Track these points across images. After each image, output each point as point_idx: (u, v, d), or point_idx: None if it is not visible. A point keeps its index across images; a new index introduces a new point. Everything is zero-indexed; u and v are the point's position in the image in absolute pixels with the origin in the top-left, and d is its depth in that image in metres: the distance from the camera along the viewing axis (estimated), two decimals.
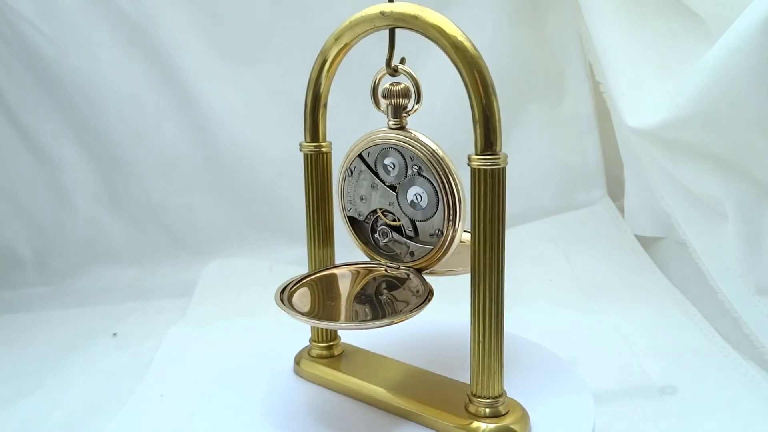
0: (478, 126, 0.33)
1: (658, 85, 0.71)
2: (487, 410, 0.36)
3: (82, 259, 0.96)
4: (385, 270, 0.41)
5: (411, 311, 0.35)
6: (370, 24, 0.37)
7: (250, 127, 0.96)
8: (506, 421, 0.35)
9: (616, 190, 0.97)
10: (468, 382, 0.37)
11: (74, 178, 0.96)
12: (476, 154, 0.33)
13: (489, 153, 0.33)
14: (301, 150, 0.42)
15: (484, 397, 0.36)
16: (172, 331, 0.73)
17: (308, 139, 0.42)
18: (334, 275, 0.42)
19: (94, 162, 0.96)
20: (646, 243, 0.85)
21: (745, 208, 0.61)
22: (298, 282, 0.40)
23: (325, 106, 0.41)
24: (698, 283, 0.69)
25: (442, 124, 0.85)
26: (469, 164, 0.34)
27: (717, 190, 0.64)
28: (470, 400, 0.36)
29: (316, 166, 0.42)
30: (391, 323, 0.34)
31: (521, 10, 0.95)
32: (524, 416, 0.36)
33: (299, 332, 0.47)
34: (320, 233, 0.43)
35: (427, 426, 0.37)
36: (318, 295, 0.39)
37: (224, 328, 0.74)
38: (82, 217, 0.97)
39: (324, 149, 0.42)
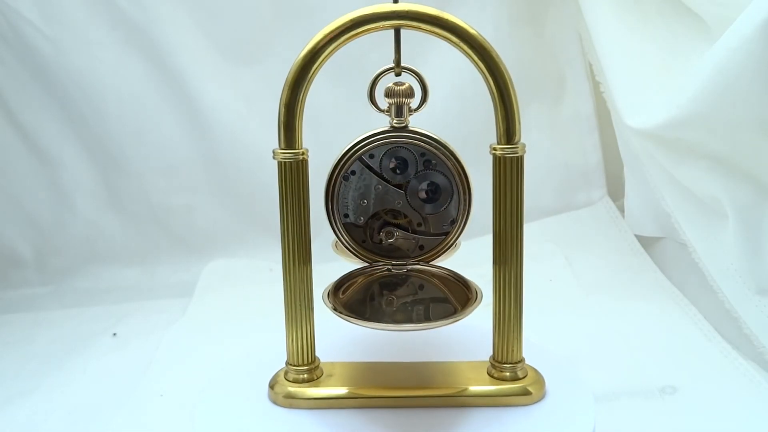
0: (500, 120, 0.38)
1: (658, 85, 0.71)
2: (508, 374, 0.40)
3: (82, 259, 0.96)
4: (388, 270, 0.41)
5: (471, 308, 0.37)
6: (377, 23, 0.36)
7: (251, 127, 0.96)
8: (525, 382, 0.40)
9: (616, 190, 0.97)
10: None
11: (74, 178, 0.96)
12: (498, 144, 0.38)
13: (510, 143, 0.38)
14: (274, 158, 0.38)
15: (507, 362, 0.40)
16: (172, 331, 0.73)
17: (283, 146, 0.38)
18: (368, 277, 0.41)
19: (94, 162, 0.96)
20: (646, 243, 0.85)
21: (745, 208, 0.61)
22: (338, 287, 0.40)
23: (303, 109, 0.39)
24: (698, 283, 0.69)
25: (443, 125, 0.85)
26: (492, 153, 0.38)
27: (717, 190, 0.64)
28: (493, 366, 0.41)
29: (294, 176, 0.38)
30: (455, 320, 0.36)
31: (521, 10, 0.95)
32: (540, 379, 0.41)
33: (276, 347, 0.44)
34: (298, 250, 0.39)
35: (454, 405, 0.40)
36: (361, 298, 0.40)
37: (224, 329, 0.74)
38: (82, 217, 0.97)
39: (302, 156, 0.38)
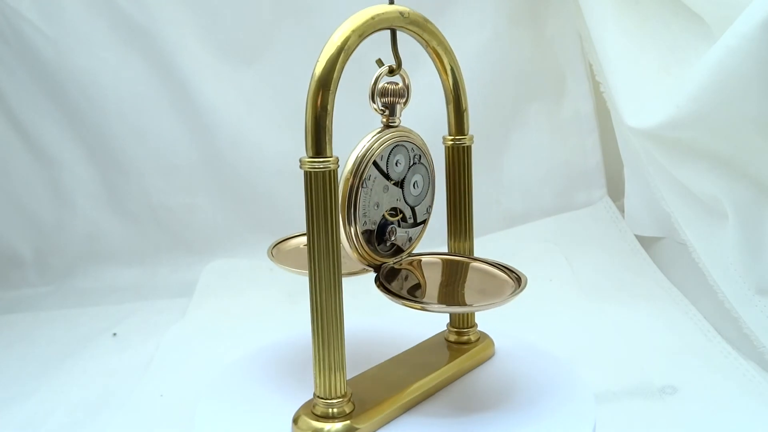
0: (453, 115, 0.43)
1: (658, 85, 0.71)
2: (464, 338, 0.45)
3: (82, 259, 0.96)
4: (393, 267, 0.41)
5: (519, 291, 0.38)
6: (387, 23, 0.37)
7: (250, 126, 0.96)
8: (478, 346, 0.45)
9: (616, 190, 0.97)
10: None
11: (74, 178, 0.96)
12: (449, 135, 0.43)
13: (459, 135, 0.43)
14: (301, 167, 0.34)
15: (461, 327, 0.45)
16: (172, 331, 0.73)
17: (312, 154, 0.34)
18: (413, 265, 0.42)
19: (94, 162, 0.96)
20: (646, 243, 0.85)
21: (745, 208, 0.61)
22: (384, 278, 0.39)
23: (333, 111, 0.35)
24: (698, 283, 0.69)
25: (443, 124, 0.85)
26: (444, 143, 0.43)
27: (717, 190, 0.64)
28: (450, 332, 0.46)
29: (323, 188, 0.34)
30: (512, 298, 0.37)
31: (521, 11, 0.95)
32: (490, 342, 0.46)
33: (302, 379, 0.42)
34: (329, 272, 0.34)
35: (445, 383, 0.42)
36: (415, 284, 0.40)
37: (224, 328, 0.74)
38: (82, 217, 0.97)
39: (332, 166, 0.34)
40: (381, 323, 0.51)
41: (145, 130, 0.95)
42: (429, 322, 0.48)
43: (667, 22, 0.73)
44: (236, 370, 0.45)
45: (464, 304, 0.38)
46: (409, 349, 0.45)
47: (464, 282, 0.41)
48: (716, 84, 0.57)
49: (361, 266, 0.41)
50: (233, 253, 0.96)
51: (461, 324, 0.46)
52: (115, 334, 0.75)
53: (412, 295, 0.38)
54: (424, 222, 0.43)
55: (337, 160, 0.35)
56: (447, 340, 0.46)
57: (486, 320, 0.47)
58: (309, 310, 0.35)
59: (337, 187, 0.35)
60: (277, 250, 0.48)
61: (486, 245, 0.84)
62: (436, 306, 0.36)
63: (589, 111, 0.98)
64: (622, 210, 0.93)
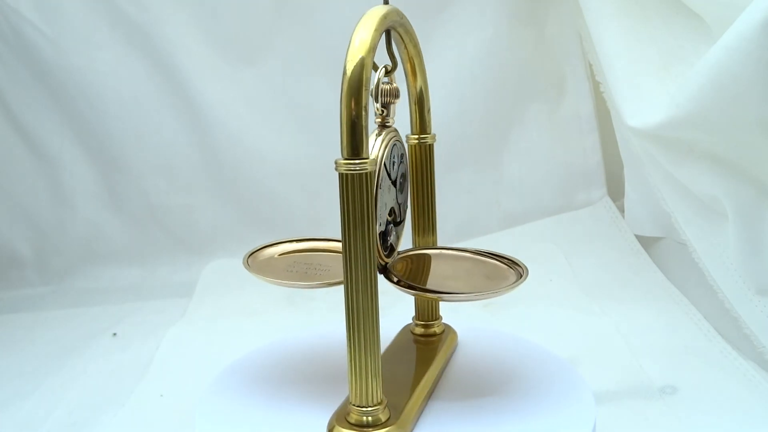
0: (416, 115, 0.44)
1: (658, 85, 0.71)
2: (430, 330, 0.47)
3: (82, 259, 0.96)
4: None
5: (521, 280, 0.39)
6: (390, 23, 0.37)
7: (251, 127, 0.96)
8: (448, 337, 0.47)
9: (616, 190, 0.97)
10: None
11: (74, 178, 0.96)
12: (412, 134, 0.44)
13: (423, 133, 0.44)
14: (337, 170, 0.33)
15: (426, 320, 0.47)
16: (172, 331, 0.73)
17: (347, 155, 0.33)
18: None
19: (94, 162, 0.96)
20: (646, 243, 0.85)
21: (745, 208, 0.61)
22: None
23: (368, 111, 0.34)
24: (698, 283, 0.69)
25: (443, 126, 0.85)
26: (407, 142, 0.44)
27: (717, 190, 0.64)
28: (416, 325, 0.48)
29: (360, 191, 0.33)
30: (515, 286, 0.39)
31: (521, 10, 0.95)
32: (453, 334, 0.48)
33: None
34: (365, 276, 0.33)
35: (439, 376, 0.43)
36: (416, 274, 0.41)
37: (224, 328, 0.74)
38: (82, 217, 0.97)
39: (369, 167, 0.33)
40: (333, 328, 0.50)
41: (145, 130, 0.95)
42: (386, 320, 0.48)
43: (667, 22, 0.73)
44: (237, 371, 0.45)
45: (483, 291, 0.38)
46: (388, 347, 0.45)
47: (467, 272, 0.41)
48: (716, 84, 0.57)
49: None
50: (233, 253, 0.96)
51: (428, 317, 0.47)
52: (115, 334, 0.75)
53: (429, 287, 0.39)
54: (404, 220, 0.43)
55: (374, 161, 0.34)
56: (413, 334, 0.47)
57: (484, 319, 0.47)
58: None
59: (374, 189, 0.35)
60: (252, 258, 0.48)
61: (486, 245, 0.84)
62: (461, 295, 0.38)
63: (589, 111, 0.98)
64: (622, 210, 0.93)
